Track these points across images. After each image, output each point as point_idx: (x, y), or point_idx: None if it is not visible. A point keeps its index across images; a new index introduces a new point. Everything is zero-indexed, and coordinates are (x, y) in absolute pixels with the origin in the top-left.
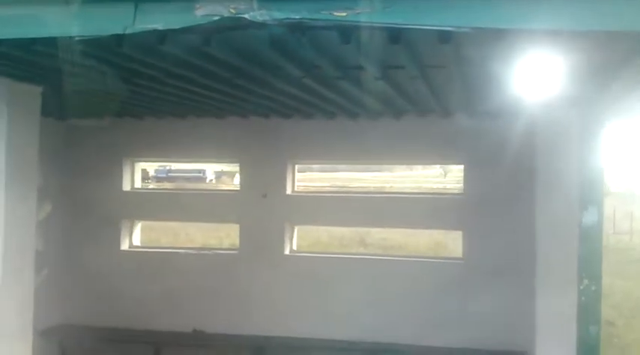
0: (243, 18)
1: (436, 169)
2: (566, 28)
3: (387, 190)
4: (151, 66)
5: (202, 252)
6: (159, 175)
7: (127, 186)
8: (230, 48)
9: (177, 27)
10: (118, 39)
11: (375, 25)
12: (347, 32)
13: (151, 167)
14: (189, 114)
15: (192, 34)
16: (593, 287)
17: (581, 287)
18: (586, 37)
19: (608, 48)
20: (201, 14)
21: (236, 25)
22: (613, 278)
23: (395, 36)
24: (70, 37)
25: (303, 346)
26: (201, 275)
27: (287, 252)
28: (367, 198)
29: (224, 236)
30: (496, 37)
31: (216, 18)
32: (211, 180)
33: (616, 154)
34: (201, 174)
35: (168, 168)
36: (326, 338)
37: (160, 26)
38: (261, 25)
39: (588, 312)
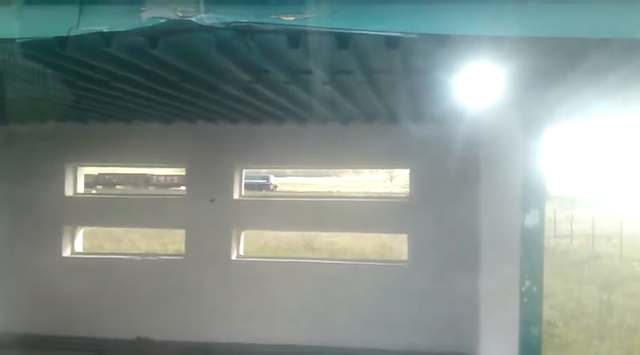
0: (190, 21)
1: (382, 174)
2: (509, 35)
3: (333, 194)
4: (95, 69)
5: (147, 257)
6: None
7: (69, 192)
8: (177, 51)
9: (122, 29)
10: (62, 41)
11: (323, 30)
12: (295, 37)
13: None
14: (135, 118)
15: (139, 36)
16: (534, 289)
17: (523, 289)
18: (528, 43)
19: (549, 54)
20: (148, 17)
21: (183, 28)
22: (554, 280)
23: (343, 41)
24: (11, 39)
25: (250, 352)
26: (146, 281)
27: (234, 257)
28: (314, 202)
29: (169, 242)
30: (441, 44)
31: (163, 21)
32: (275, 186)
33: (556, 158)
34: (265, 181)
35: None
36: (273, 343)
37: (105, 28)
38: (209, 29)
39: (530, 313)
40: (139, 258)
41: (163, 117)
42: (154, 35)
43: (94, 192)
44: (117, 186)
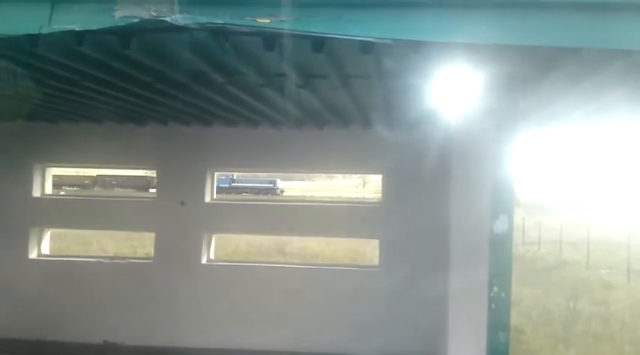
0: (164, 21)
1: (355, 179)
2: (482, 42)
3: (306, 199)
4: (67, 68)
5: (115, 261)
6: (221, 185)
7: (37, 192)
8: (150, 51)
9: (95, 28)
10: (33, 39)
11: (298, 33)
12: (271, 39)
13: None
14: (106, 119)
15: (111, 35)
16: (502, 295)
17: (492, 295)
18: (501, 50)
19: (522, 62)
20: (121, 16)
21: (157, 27)
22: (522, 287)
23: (318, 45)
24: None
25: None
26: (114, 284)
27: (204, 261)
28: (286, 206)
29: (138, 245)
30: (415, 49)
31: (136, 20)
32: (282, 191)
33: (526, 165)
34: (272, 185)
35: (231, 177)
36: (244, 348)
37: (77, 27)
38: (183, 29)
39: (498, 319)
40: (106, 261)
41: (135, 118)
42: (126, 34)
43: (62, 193)
44: (116, 189)
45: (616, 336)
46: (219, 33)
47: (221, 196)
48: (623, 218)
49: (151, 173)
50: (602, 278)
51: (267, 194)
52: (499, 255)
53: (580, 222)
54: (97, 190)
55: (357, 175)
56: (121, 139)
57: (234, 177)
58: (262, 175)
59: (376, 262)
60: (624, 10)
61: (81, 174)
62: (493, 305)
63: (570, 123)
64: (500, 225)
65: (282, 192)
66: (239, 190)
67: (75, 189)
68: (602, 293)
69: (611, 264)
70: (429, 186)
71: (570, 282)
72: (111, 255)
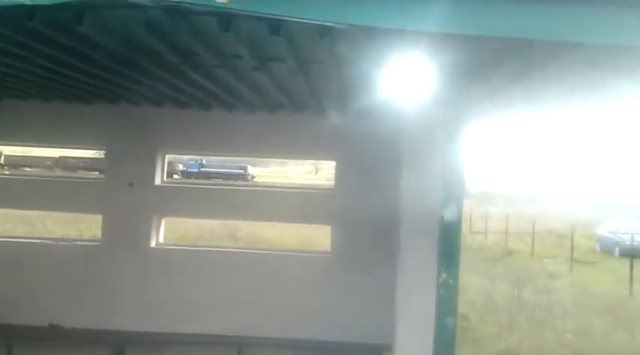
0: None
1: (308, 166)
2: (436, 31)
3: (259, 184)
4: (15, 43)
5: (61, 243)
6: (190, 170)
7: None
8: (103, 28)
9: (47, 3)
10: None
11: (255, 14)
12: (227, 20)
13: (171, 159)
14: (54, 97)
15: (64, 11)
16: (450, 281)
17: (440, 281)
18: (454, 40)
19: (474, 52)
20: None
21: (110, 4)
22: (469, 276)
23: (275, 27)
24: None
25: (169, 341)
26: (60, 267)
27: (153, 244)
28: (238, 190)
29: (85, 228)
30: (370, 36)
31: None
32: (253, 177)
33: (474, 156)
34: (242, 171)
35: (200, 161)
36: (193, 332)
37: (27, 1)
38: (137, 6)
39: (446, 305)
40: (52, 243)
41: (84, 96)
42: (79, 10)
43: (6, 172)
44: (79, 171)
45: (558, 324)
46: (174, 11)
47: (190, 181)
48: (568, 209)
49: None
50: (546, 268)
51: (237, 179)
52: (448, 242)
53: (526, 212)
54: (58, 172)
55: (310, 162)
56: (69, 118)
57: (204, 162)
58: (232, 160)
59: (328, 248)
60: (576, 3)
61: (44, 155)
62: (441, 291)
63: (520, 114)
64: (449, 213)
65: (253, 177)
66: (208, 175)
67: (37, 171)
68: (545, 282)
69: (555, 253)
70: (381, 174)
71: (515, 271)
72: (57, 236)
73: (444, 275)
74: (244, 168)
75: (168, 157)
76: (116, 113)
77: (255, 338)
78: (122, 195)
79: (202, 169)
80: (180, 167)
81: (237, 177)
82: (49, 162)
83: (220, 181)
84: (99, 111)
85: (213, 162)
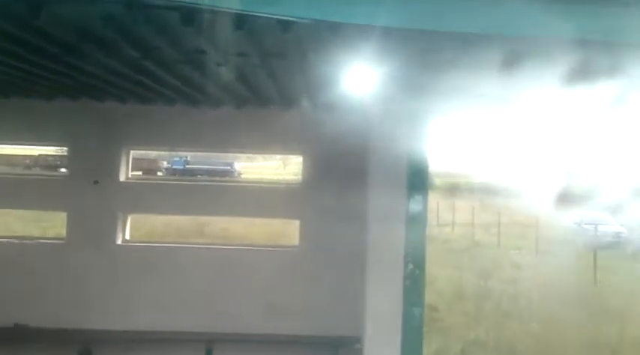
0: None
1: (276, 161)
2: (398, 26)
3: (226, 179)
4: None
5: (24, 241)
6: (175, 167)
7: None
8: (61, 22)
9: None
10: None
11: (218, 9)
12: (189, 14)
13: (155, 156)
14: (13, 93)
15: (20, 5)
16: (417, 271)
17: (407, 272)
18: (418, 34)
19: (438, 45)
20: None
21: None
22: (436, 267)
23: (238, 22)
24: None
25: (137, 339)
26: (24, 266)
27: (119, 241)
28: (205, 186)
29: (49, 226)
30: (334, 31)
31: None
32: (240, 174)
33: (440, 149)
34: (229, 168)
35: (185, 158)
36: (162, 330)
37: None
38: (95, 0)
39: (413, 295)
40: (15, 241)
41: (45, 92)
42: (36, 5)
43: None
44: (60, 170)
45: (524, 314)
46: (132, 6)
47: (175, 178)
48: (533, 201)
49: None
50: (512, 259)
51: (224, 176)
52: (414, 233)
53: (492, 204)
54: (36, 170)
55: (278, 157)
56: (30, 115)
57: (189, 159)
58: (217, 157)
59: (296, 243)
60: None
61: (23, 153)
62: (408, 282)
63: (485, 106)
64: (415, 205)
65: (240, 174)
66: (194, 172)
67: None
68: (511, 272)
69: (521, 245)
70: (347, 167)
71: (482, 262)
72: (20, 235)
73: (411, 266)
74: (231, 165)
75: (153, 155)
76: (78, 109)
77: (224, 334)
78: (87, 192)
79: (187, 166)
80: (165, 164)
81: (223, 173)
82: (28, 161)
83: (188, 177)
84: (61, 108)
85: (199, 158)
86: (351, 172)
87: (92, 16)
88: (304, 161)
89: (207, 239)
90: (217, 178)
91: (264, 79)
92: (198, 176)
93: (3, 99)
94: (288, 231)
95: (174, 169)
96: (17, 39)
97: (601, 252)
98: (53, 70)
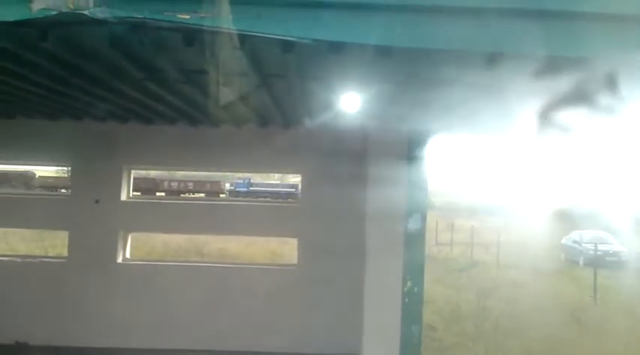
0: (83, 14)
1: (274, 179)
2: (398, 45)
3: (224, 198)
4: None
5: (27, 259)
6: (238, 189)
7: None
8: (68, 45)
9: (11, 19)
10: None
11: (219, 30)
12: (191, 35)
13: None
14: (18, 113)
15: (28, 27)
16: (415, 289)
17: (405, 289)
18: (416, 53)
19: (436, 65)
20: (38, 8)
21: (75, 21)
22: (435, 286)
23: (239, 43)
24: None
25: None
26: (26, 284)
27: (120, 260)
28: (205, 205)
29: (49, 246)
30: (334, 51)
31: (54, 13)
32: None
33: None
34: (293, 190)
35: (248, 180)
36: (161, 348)
37: None
38: (101, 23)
39: (411, 312)
40: (19, 260)
41: (49, 113)
42: (44, 27)
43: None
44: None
45: (524, 333)
46: (138, 27)
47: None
48: (531, 221)
49: (159, 174)
50: (511, 278)
51: (287, 199)
52: (413, 251)
53: (491, 224)
54: (39, 190)
55: (276, 175)
56: (33, 135)
57: (252, 181)
58: (279, 179)
59: (294, 262)
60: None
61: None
62: (406, 300)
63: (481, 127)
64: (414, 223)
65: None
66: (257, 194)
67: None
68: (510, 291)
69: (520, 264)
70: (346, 186)
71: (481, 282)
72: (22, 254)
73: (409, 284)
74: (295, 187)
75: (219, 176)
76: (81, 129)
77: (222, 352)
78: (88, 211)
79: (251, 189)
80: (228, 186)
81: (287, 195)
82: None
83: (187, 196)
84: (63, 128)
85: (261, 181)
86: (349, 190)
87: (98, 38)
88: (303, 179)
89: (205, 258)
90: (281, 200)
91: (265, 98)
92: (261, 199)
93: (8, 119)
94: (284, 250)
95: (238, 191)
96: (25, 61)
97: (601, 271)
98: (58, 91)
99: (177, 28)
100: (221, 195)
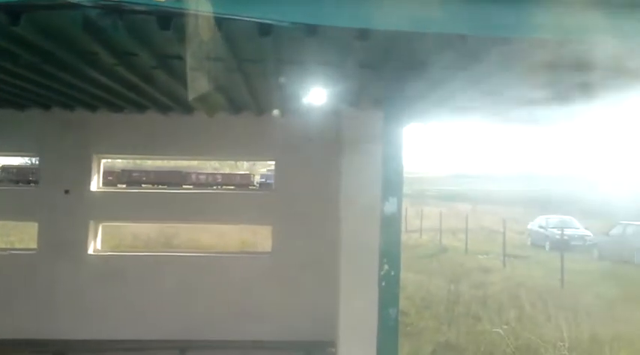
0: None
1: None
2: (373, 27)
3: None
4: None
5: None
6: (269, 182)
7: None
8: (40, 29)
9: None
10: None
11: (195, 13)
12: (166, 19)
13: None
14: None
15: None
16: (392, 272)
17: (382, 273)
18: (391, 36)
19: (411, 48)
20: None
21: (48, 4)
22: (406, 273)
23: (215, 26)
24: None
25: (109, 348)
26: None
27: (91, 251)
28: (177, 194)
29: (16, 240)
30: (311, 34)
31: None
32: None
33: (409, 155)
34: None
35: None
36: (134, 338)
37: None
38: (75, 6)
39: (388, 296)
40: None
41: (16, 102)
42: (15, 11)
43: None
44: (142, 185)
45: (493, 316)
46: (112, 11)
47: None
48: (499, 206)
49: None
50: (480, 263)
51: None
52: (389, 235)
53: (459, 210)
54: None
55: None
56: (1, 125)
57: None
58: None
59: (269, 250)
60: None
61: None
62: (383, 283)
63: (454, 111)
64: (389, 207)
65: None
66: None
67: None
68: (479, 276)
69: (488, 249)
70: (321, 172)
71: (450, 267)
72: None
73: (386, 267)
74: None
75: (247, 165)
76: (49, 119)
77: (197, 341)
78: (57, 202)
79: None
80: (258, 178)
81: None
82: (145, 178)
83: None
84: (31, 117)
85: None
86: (324, 176)
87: (72, 22)
88: (277, 166)
89: (174, 250)
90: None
91: (239, 84)
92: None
93: None
94: (257, 239)
95: (268, 183)
96: None
97: (567, 255)
98: (28, 78)
99: (152, 12)
100: (250, 188)
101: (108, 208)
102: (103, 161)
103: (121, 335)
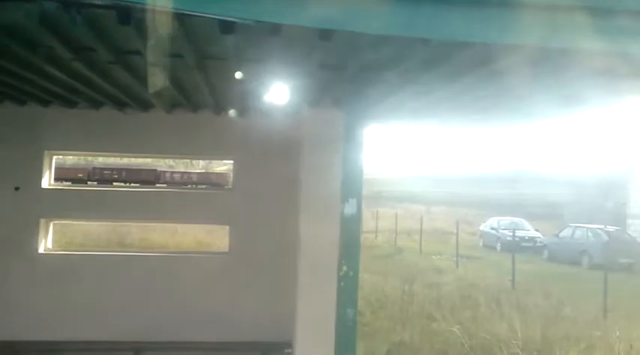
0: None
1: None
2: (337, 28)
3: (153, 185)
4: None
5: None
6: None
7: None
8: None
9: None
10: None
11: (155, 8)
12: (126, 13)
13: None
14: None
15: None
16: (351, 273)
17: (341, 273)
18: (354, 38)
19: (372, 50)
20: None
21: None
22: (362, 273)
23: (176, 22)
24: None
25: (61, 349)
26: None
27: (41, 250)
28: (131, 192)
29: None
30: (274, 33)
31: None
32: None
33: (366, 157)
34: None
35: None
36: (87, 339)
37: None
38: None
39: (347, 296)
40: None
41: None
42: None
43: None
44: (114, 183)
45: (447, 316)
46: (70, 4)
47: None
48: (452, 208)
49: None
50: (434, 264)
51: None
52: (348, 235)
53: (413, 212)
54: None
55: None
56: None
57: None
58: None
59: (226, 250)
60: (468, 5)
61: None
62: (342, 283)
63: (414, 114)
64: (349, 208)
65: None
66: None
67: None
68: (433, 276)
69: (442, 250)
70: (280, 172)
71: (405, 268)
72: None
73: (345, 268)
74: None
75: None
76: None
77: (151, 342)
78: (7, 199)
79: None
80: None
81: None
82: (116, 175)
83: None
84: None
85: None
86: (284, 177)
87: (28, 15)
88: (235, 165)
89: (127, 249)
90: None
91: (199, 82)
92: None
93: None
94: (213, 239)
95: None
96: None
97: (518, 256)
98: None
99: (112, 6)
100: (226, 188)
101: (59, 206)
102: (95, 159)
103: (73, 336)
